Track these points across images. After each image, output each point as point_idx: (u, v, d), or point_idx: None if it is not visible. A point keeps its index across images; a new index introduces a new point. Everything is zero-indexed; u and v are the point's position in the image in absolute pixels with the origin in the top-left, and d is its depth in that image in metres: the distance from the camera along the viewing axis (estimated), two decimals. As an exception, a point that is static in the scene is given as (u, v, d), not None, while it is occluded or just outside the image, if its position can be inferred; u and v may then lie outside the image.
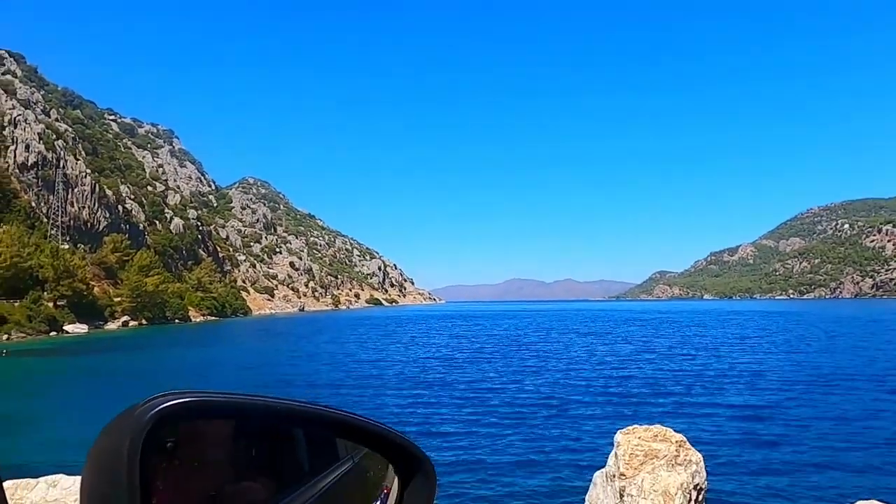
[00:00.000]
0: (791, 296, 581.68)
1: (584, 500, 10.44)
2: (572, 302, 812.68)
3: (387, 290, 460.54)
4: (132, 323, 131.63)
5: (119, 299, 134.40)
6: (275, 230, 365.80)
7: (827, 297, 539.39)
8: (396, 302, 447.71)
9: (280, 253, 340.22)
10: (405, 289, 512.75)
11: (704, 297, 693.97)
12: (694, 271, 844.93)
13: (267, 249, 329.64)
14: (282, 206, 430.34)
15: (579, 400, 34.34)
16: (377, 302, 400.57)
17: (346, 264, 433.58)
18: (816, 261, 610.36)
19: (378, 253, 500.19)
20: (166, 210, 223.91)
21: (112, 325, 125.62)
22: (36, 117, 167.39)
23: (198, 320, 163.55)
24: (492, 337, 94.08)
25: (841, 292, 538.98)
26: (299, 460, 1.84)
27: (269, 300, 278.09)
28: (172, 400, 1.25)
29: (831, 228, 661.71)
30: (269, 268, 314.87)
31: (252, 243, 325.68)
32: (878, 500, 8.36)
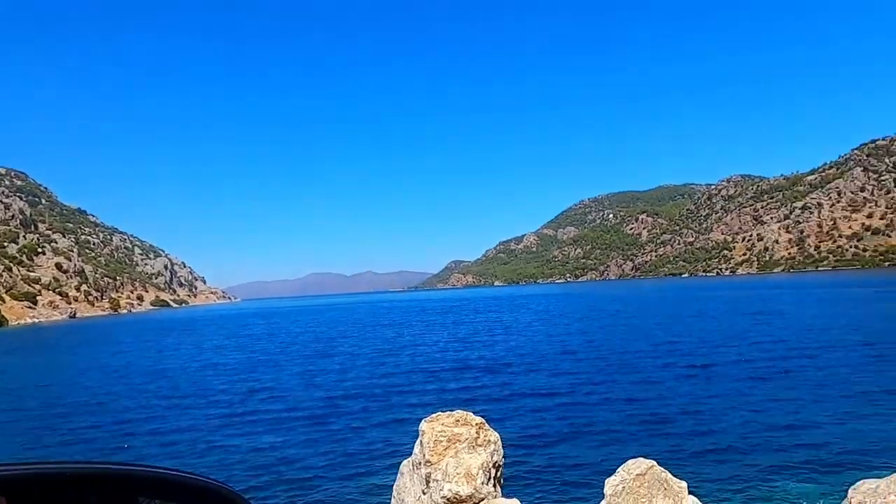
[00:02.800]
0: (568, 279, 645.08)
1: (392, 491, 10.57)
2: (373, 294, 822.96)
3: (175, 291, 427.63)
4: None
5: None
6: (36, 227, 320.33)
7: (597, 279, 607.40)
8: (187, 303, 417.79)
9: (43, 254, 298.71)
10: (196, 288, 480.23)
11: (495, 283, 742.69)
12: (485, 260, 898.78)
13: (26, 250, 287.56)
14: (44, 201, 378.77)
15: (382, 393, 34.83)
16: (164, 304, 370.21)
17: (127, 264, 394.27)
18: (588, 247, 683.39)
19: (164, 251, 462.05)
20: None
21: None
22: None
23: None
24: (290, 336, 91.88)
25: (608, 274, 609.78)
26: None
27: (30, 308, 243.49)
28: None
29: (599, 218, 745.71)
30: (29, 271, 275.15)
31: (6, 243, 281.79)
32: (644, 457, 9.57)
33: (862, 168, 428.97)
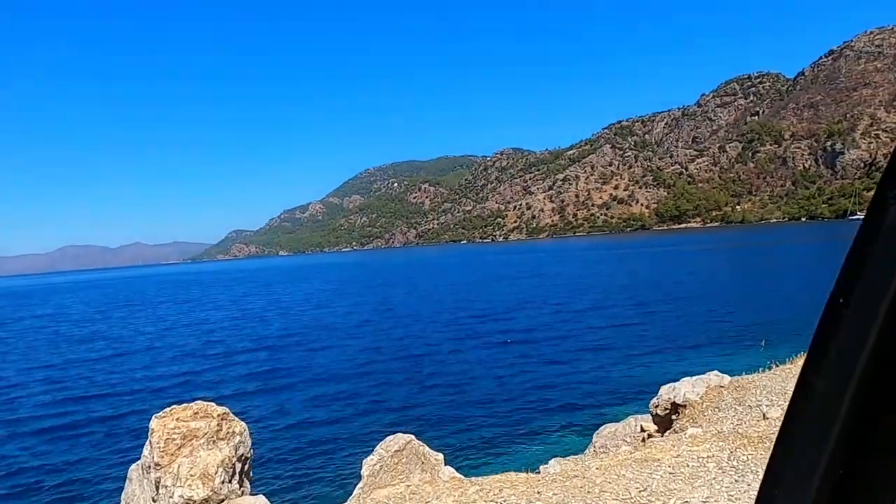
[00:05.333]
0: (355, 247, 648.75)
1: (120, 500, 9.10)
2: (143, 267, 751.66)
3: None
4: None
5: None
6: None
7: (382, 247, 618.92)
8: None
9: None
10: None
11: (280, 253, 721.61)
12: (269, 229, 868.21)
13: None
14: None
15: (122, 385, 30.86)
16: None
17: None
18: (374, 216, 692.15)
19: None
20: None
21: None
22: None
23: None
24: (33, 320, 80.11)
25: (394, 242, 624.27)
26: None
27: None
28: None
29: (384, 187, 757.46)
30: None
31: None
32: (399, 432, 9.32)
33: (610, 145, 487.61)
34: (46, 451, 19.65)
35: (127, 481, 9.04)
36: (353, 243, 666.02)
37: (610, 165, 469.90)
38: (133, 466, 8.88)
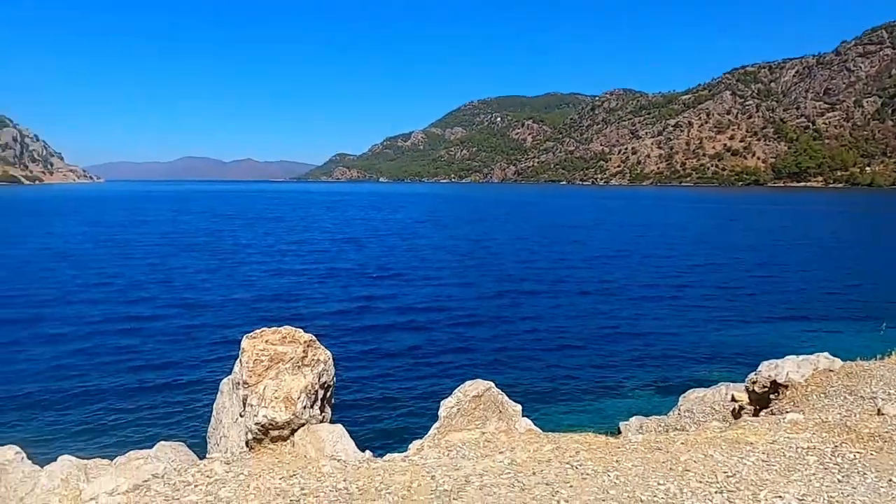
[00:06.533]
0: (452, 179, 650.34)
1: (212, 408, 9.62)
2: (252, 183, 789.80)
3: (27, 167, 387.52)
4: None
5: None
6: None
7: (480, 181, 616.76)
8: (41, 180, 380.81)
9: None
10: (52, 165, 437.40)
11: (380, 179, 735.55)
12: (371, 155, 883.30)
13: None
14: None
15: (219, 299, 32.19)
16: (13, 180, 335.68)
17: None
18: (474, 149, 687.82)
19: (11, 120, 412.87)
20: None
21: None
22: None
23: None
24: (143, 225, 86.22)
25: (492, 177, 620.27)
26: None
27: None
28: None
29: (487, 120, 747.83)
30: None
31: None
32: (480, 378, 9.23)
33: (730, 92, 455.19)
34: (154, 349, 21.32)
35: (219, 393, 9.52)
36: (452, 175, 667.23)
37: (727, 114, 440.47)
38: (225, 380, 9.31)
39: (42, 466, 8.60)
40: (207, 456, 8.27)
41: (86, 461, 8.62)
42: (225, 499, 5.92)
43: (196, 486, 6.30)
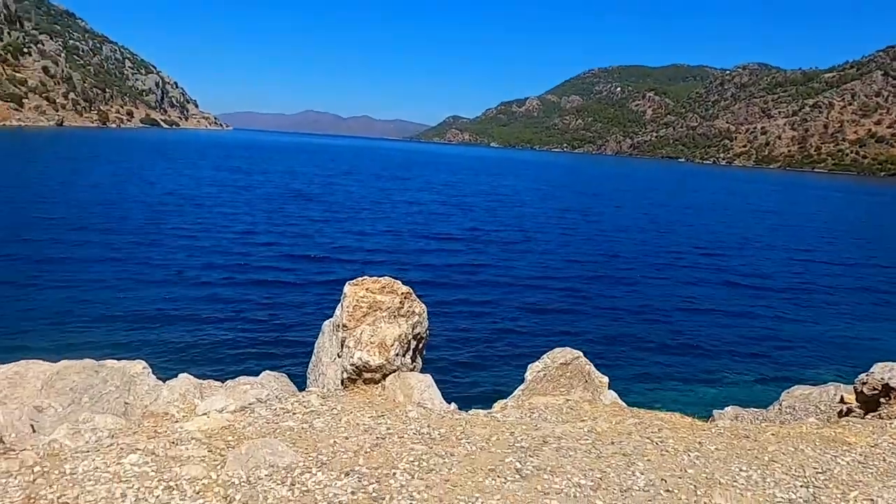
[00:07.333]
0: (565, 149, 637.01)
1: (314, 347, 10.29)
2: (369, 140, 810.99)
3: (166, 111, 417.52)
4: None
5: None
6: (21, 25, 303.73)
7: (593, 152, 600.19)
8: (177, 125, 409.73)
9: (30, 55, 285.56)
10: (188, 111, 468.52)
11: (491, 144, 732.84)
12: (484, 119, 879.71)
13: (11, 49, 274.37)
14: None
15: (329, 249, 33.97)
16: (154, 123, 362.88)
17: (117, 77, 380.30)
18: (590, 119, 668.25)
19: (156, 67, 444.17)
20: None
21: None
22: None
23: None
24: (266, 175, 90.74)
25: (606, 149, 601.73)
26: None
27: (16, 110, 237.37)
28: None
29: (606, 90, 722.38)
30: (15, 71, 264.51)
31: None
32: (569, 346, 9.28)
33: (882, 72, 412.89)
34: (266, 290, 22.85)
35: (320, 333, 10.16)
36: (564, 145, 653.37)
37: (877, 96, 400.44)
38: (327, 322, 9.92)
39: (164, 381, 9.56)
40: (306, 389, 8.91)
41: (201, 381, 9.51)
42: (318, 428, 6.43)
43: (294, 413, 6.88)
